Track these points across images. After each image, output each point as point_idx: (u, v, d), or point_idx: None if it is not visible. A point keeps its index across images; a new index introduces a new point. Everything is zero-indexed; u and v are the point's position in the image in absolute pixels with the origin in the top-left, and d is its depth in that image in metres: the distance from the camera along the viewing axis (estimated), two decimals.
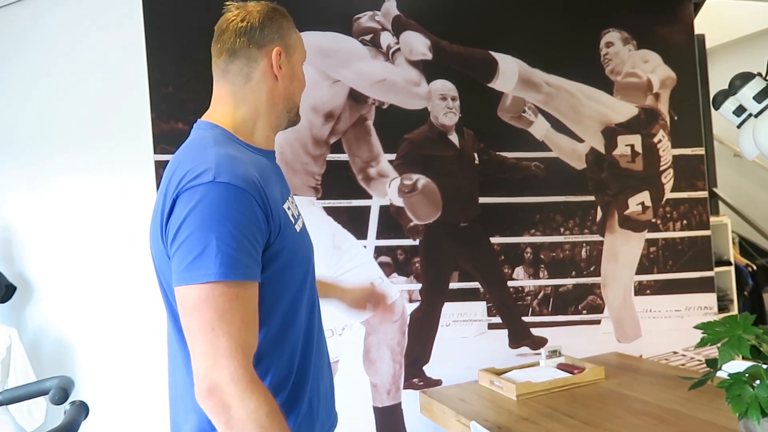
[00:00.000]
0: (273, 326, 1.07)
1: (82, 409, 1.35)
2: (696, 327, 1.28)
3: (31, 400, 2.50)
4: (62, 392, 1.42)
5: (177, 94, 2.30)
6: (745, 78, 2.25)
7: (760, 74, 2.27)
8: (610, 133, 2.73)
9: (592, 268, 2.69)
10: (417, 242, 2.51)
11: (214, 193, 0.97)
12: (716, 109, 2.40)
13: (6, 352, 2.60)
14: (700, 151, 2.85)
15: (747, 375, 1.20)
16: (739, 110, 2.31)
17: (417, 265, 2.50)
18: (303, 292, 1.13)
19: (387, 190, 2.48)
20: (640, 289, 2.74)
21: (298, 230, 1.13)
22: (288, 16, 1.20)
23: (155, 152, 2.28)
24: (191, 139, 1.14)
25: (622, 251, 2.72)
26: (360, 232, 2.45)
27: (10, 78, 2.97)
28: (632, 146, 2.74)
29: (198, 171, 0.99)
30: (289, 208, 1.12)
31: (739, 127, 2.39)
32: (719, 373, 1.25)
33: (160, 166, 2.26)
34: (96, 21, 2.77)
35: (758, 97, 2.21)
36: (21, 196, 2.99)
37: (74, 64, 2.81)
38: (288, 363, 1.10)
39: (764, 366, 1.19)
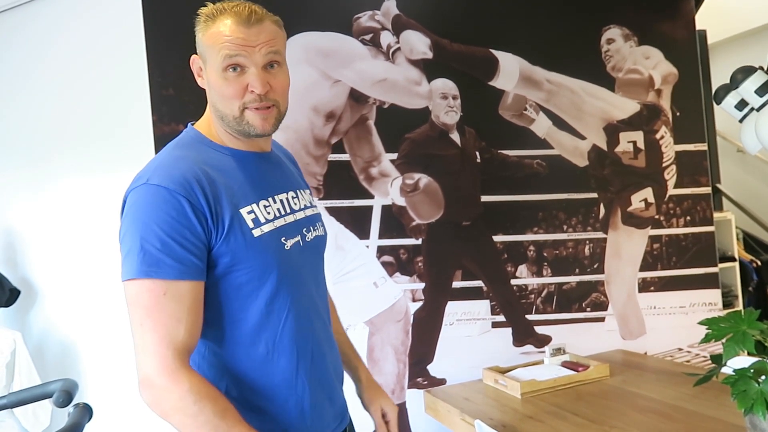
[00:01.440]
0: (235, 332, 1.09)
1: (85, 412, 1.35)
2: (700, 323, 1.27)
3: (36, 403, 2.50)
4: (66, 395, 1.42)
5: (178, 97, 2.30)
6: (746, 72, 2.24)
7: (761, 68, 2.26)
8: (612, 130, 2.72)
9: (595, 266, 2.69)
10: (419, 241, 2.50)
11: (144, 195, 1.02)
12: (718, 103, 2.40)
13: (11, 355, 2.61)
14: (703, 146, 2.84)
15: (752, 370, 1.19)
16: (741, 104, 2.31)
17: (420, 264, 2.50)
18: (280, 306, 1.10)
19: (389, 189, 2.48)
20: (644, 286, 2.73)
21: (257, 235, 1.07)
22: (211, 17, 1.09)
23: (156, 154, 2.28)
24: None
25: (626, 248, 2.72)
26: (362, 232, 2.45)
27: (11, 80, 2.98)
28: (634, 143, 2.73)
29: (140, 174, 1.06)
30: (251, 212, 1.08)
31: (741, 121, 2.38)
32: (724, 369, 1.24)
33: None
34: (97, 23, 2.77)
35: (760, 91, 2.20)
36: (23, 200, 3.00)
37: (75, 66, 2.81)
38: (264, 376, 1.10)
39: None
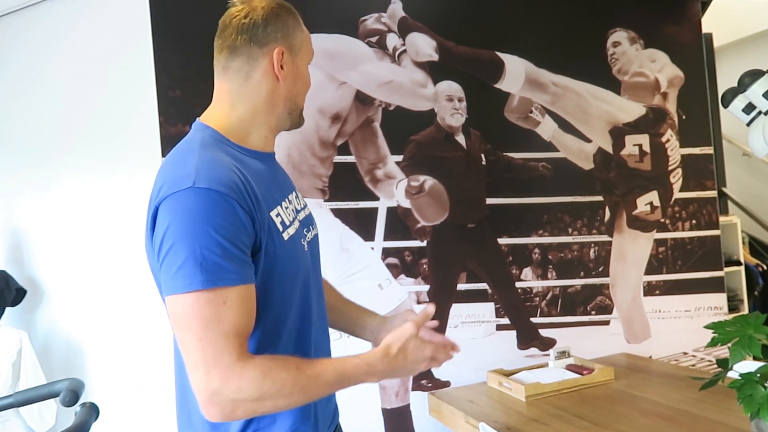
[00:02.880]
0: (255, 333, 1.04)
1: (92, 411, 1.36)
2: (706, 327, 1.27)
3: (42, 403, 2.52)
4: (73, 394, 1.43)
5: (185, 98, 2.31)
6: (754, 75, 2.23)
7: None
8: (618, 133, 2.72)
9: (600, 269, 2.68)
10: (424, 243, 2.50)
11: (194, 199, 0.94)
12: (725, 107, 2.39)
13: (17, 355, 2.62)
14: (709, 150, 2.84)
15: (758, 375, 1.19)
16: (749, 108, 2.30)
17: (424, 266, 2.50)
18: (293, 308, 1.09)
19: (394, 191, 2.48)
20: (650, 290, 2.72)
21: (286, 238, 1.06)
22: (295, 13, 1.14)
23: (163, 155, 2.29)
24: (181, 141, 1.12)
25: (631, 251, 2.71)
26: (367, 234, 2.45)
27: (18, 80, 3.00)
28: (640, 146, 2.73)
29: (178, 177, 0.98)
30: (278, 215, 1.07)
31: (748, 125, 2.37)
32: (730, 373, 1.24)
33: None
34: (104, 24, 2.79)
35: None
36: (30, 200, 3.01)
37: (82, 67, 2.83)
38: None
39: None
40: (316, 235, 1.25)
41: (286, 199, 1.14)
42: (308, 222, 1.22)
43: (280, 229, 1.06)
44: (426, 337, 1.14)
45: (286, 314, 1.08)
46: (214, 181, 0.96)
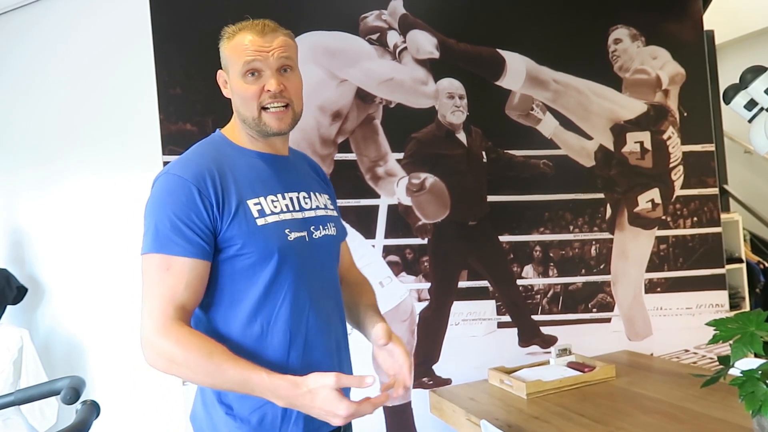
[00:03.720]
0: (235, 311, 1.19)
1: (93, 409, 1.36)
2: (708, 324, 1.27)
3: (43, 401, 2.52)
4: (74, 392, 1.43)
5: (185, 96, 2.30)
6: (756, 71, 2.22)
7: None
8: (619, 130, 2.71)
9: (601, 266, 2.68)
10: (425, 241, 2.50)
11: (164, 182, 1.18)
12: (727, 103, 2.38)
13: (18, 353, 2.62)
14: (711, 147, 2.83)
15: (760, 372, 1.18)
16: (751, 104, 2.29)
17: (425, 264, 2.50)
18: (277, 291, 1.19)
19: (395, 189, 2.48)
20: (651, 287, 2.72)
21: (260, 224, 1.18)
22: (227, 35, 1.24)
23: (163, 153, 2.29)
24: None
25: (632, 249, 2.71)
26: (368, 232, 2.45)
27: (19, 79, 3.00)
28: (641, 143, 2.73)
29: (167, 166, 1.22)
30: (257, 204, 1.20)
31: (750, 121, 2.36)
32: (732, 371, 1.24)
33: None
34: (104, 23, 2.78)
35: None
36: (31, 198, 3.01)
37: (83, 65, 2.83)
38: (258, 353, 1.18)
39: None
40: (327, 236, 1.31)
41: (282, 194, 1.25)
42: (320, 221, 1.30)
43: (255, 215, 1.19)
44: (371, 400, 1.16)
45: (249, 293, 1.19)
46: (182, 170, 1.17)
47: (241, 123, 1.26)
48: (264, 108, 1.21)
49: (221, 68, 1.26)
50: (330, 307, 1.31)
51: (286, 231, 1.21)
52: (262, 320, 1.19)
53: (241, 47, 1.20)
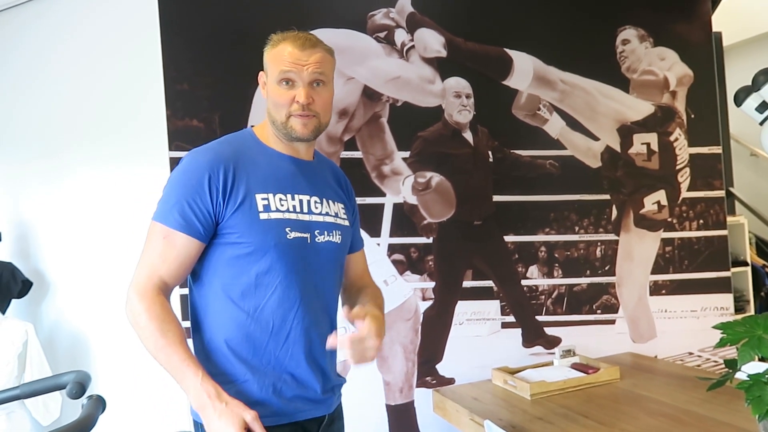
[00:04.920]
0: (227, 294, 1.27)
1: (99, 404, 1.36)
2: (715, 327, 1.26)
3: (47, 395, 2.53)
4: (79, 387, 1.43)
5: (192, 92, 2.30)
6: None
7: None
8: (626, 132, 2.71)
9: (606, 268, 2.67)
10: (430, 240, 2.50)
11: (183, 162, 1.29)
12: (738, 105, 2.37)
13: (22, 346, 2.63)
14: (717, 149, 2.82)
15: (767, 376, 1.18)
16: (762, 107, 2.28)
17: (430, 263, 2.50)
18: (267, 284, 1.27)
19: (401, 187, 2.48)
20: (656, 289, 2.71)
21: (261, 218, 1.26)
22: (271, 42, 1.34)
23: (170, 149, 2.29)
24: None
25: (638, 250, 2.70)
26: (373, 230, 2.45)
27: (25, 73, 3.00)
28: (648, 144, 2.72)
29: (196, 148, 1.33)
30: (265, 199, 1.28)
31: (761, 123, 2.35)
32: (738, 375, 1.23)
33: (175, 163, 2.25)
34: (111, 18, 2.78)
35: None
36: (36, 192, 3.02)
37: (90, 60, 2.83)
38: (241, 337, 1.27)
39: None
40: (330, 242, 1.36)
41: (291, 195, 1.32)
42: (326, 227, 1.36)
43: (260, 209, 1.27)
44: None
45: (240, 279, 1.27)
46: (201, 154, 1.29)
47: (270, 124, 1.35)
48: (291, 115, 1.30)
49: (263, 70, 1.36)
50: (320, 309, 1.35)
51: (287, 229, 1.29)
52: (248, 307, 1.28)
53: (280, 56, 1.30)
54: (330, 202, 1.40)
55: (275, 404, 1.27)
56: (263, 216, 1.27)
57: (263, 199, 1.28)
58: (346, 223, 1.43)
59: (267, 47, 1.35)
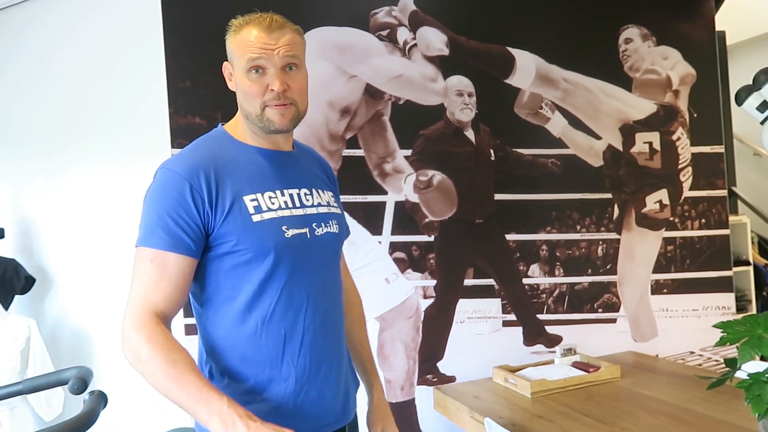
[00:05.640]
0: (229, 308, 1.19)
1: (101, 399, 1.37)
2: (715, 326, 1.26)
3: (50, 390, 2.54)
4: (81, 382, 1.44)
5: (194, 89, 2.31)
6: None
7: None
8: (628, 131, 2.70)
9: (608, 266, 2.67)
10: (432, 238, 2.50)
11: (159, 177, 1.18)
12: (739, 104, 2.37)
13: (25, 342, 2.64)
14: (720, 149, 2.81)
15: (767, 375, 1.18)
16: (763, 106, 2.28)
17: (432, 261, 2.50)
18: (272, 289, 1.18)
19: (402, 186, 2.48)
20: (657, 288, 2.71)
21: (255, 220, 1.17)
22: (233, 28, 1.22)
23: (173, 146, 2.29)
24: None
25: (639, 249, 2.70)
26: (375, 228, 2.45)
27: (28, 70, 3.01)
28: (650, 144, 2.71)
29: (166, 161, 1.22)
30: (254, 200, 1.19)
31: (762, 123, 2.35)
32: (738, 374, 1.23)
33: None
34: (114, 15, 2.79)
35: None
36: (39, 189, 3.03)
37: (92, 57, 2.84)
38: (252, 351, 1.18)
39: None
40: (330, 233, 1.29)
41: (281, 191, 1.23)
42: (322, 218, 1.28)
43: (251, 211, 1.18)
44: None
45: (243, 290, 1.19)
46: (177, 165, 1.17)
47: (243, 118, 1.25)
48: (267, 106, 1.20)
49: (227, 60, 1.25)
50: (329, 306, 1.29)
51: (283, 228, 1.20)
52: (256, 318, 1.18)
53: (246, 42, 1.18)
54: (320, 191, 1.32)
55: (299, 419, 1.18)
56: (256, 218, 1.18)
57: (252, 200, 1.19)
58: (339, 210, 1.36)
59: (229, 34, 1.22)
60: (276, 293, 1.19)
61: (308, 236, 1.23)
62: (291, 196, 1.24)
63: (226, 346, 1.19)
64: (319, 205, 1.29)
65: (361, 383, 1.43)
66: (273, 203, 1.21)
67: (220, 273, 1.18)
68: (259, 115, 1.20)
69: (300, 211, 1.24)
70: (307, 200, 1.27)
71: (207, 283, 1.20)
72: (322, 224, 1.27)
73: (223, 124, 1.30)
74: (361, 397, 1.41)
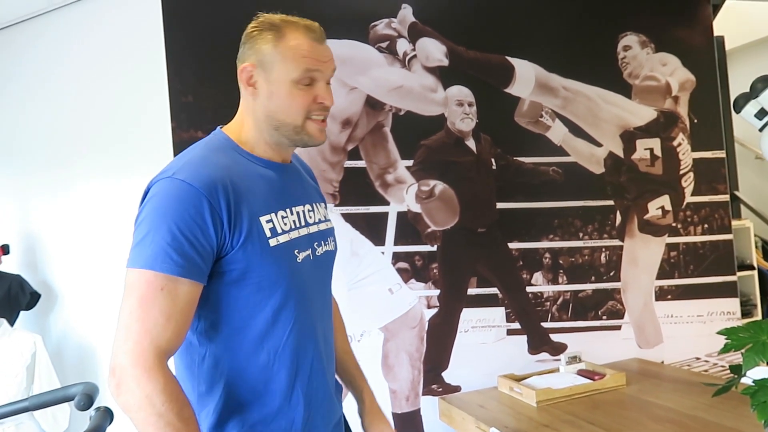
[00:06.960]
0: (239, 338, 1.08)
1: (107, 415, 1.37)
2: (719, 333, 1.26)
3: (56, 406, 2.54)
4: (87, 398, 1.44)
5: (196, 104, 2.32)
6: (766, 80, 2.22)
7: None
8: (629, 137, 2.71)
9: (611, 273, 2.67)
10: (435, 248, 2.50)
11: (168, 188, 1.02)
12: (737, 112, 2.37)
13: (31, 358, 2.64)
14: (721, 154, 2.82)
15: None
16: (761, 113, 2.28)
17: (435, 270, 2.50)
18: (286, 318, 1.10)
19: (404, 196, 2.49)
20: (661, 294, 2.70)
21: (272, 245, 1.08)
22: (276, 31, 1.10)
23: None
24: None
25: (642, 256, 2.70)
26: (378, 239, 2.46)
27: (31, 85, 3.03)
28: (651, 150, 2.72)
29: (167, 168, 1.07)
30: (270, 221, 1.09)
31: (761, 130, 2.35)
32: (743, 380, 1.23)
33: None
34: (116, 30, 2.81)
35: None
36: (43, 204, 3.04)
37: (95, 72, 2.86)
38: (262, 384, 1.10)
39: None
40: (328, 252, 1.24)
41: (290, 209, 1.15)
42: (322, 236, 1.22)
43: (268, 234, 1.08)
44: None
45: (255, 320, 1.09)
46: (191, 176, 1.02)
47: (268, 128, 1.13)
48: (309, 119, 1.12)
49: (244, 61, 1.13)
50: (327, 327, 1.24)
51: (296, 252, 1.12)
52: (268, 349, 1.09)
53: (300, 51, 1.09)
54: (318, 205, 1.25)
55: None
56: (272, 242, 1.07)
57: (268, 221, 1.08)
58: (332, 223, 1.29)
59: (265, 34, 1.10)
60: (289, 323, 1.11)
61: (311, 258, 1.16)
62: (298, 214, 1.16)
63: (234, 378, 1.09)
64: (319, 221, 1.23)
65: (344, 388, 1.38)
66: (285, 224, 1.12)
67: (230, 300, 1.07)
68: (298, 127, 1.12)
69: (305, 231, 1.17)
70: (310, 217, 1.20)
71: (212, 312, 1.07)
72: (322, 243, 1.22)
73: (221, 129, 1.18)
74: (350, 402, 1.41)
